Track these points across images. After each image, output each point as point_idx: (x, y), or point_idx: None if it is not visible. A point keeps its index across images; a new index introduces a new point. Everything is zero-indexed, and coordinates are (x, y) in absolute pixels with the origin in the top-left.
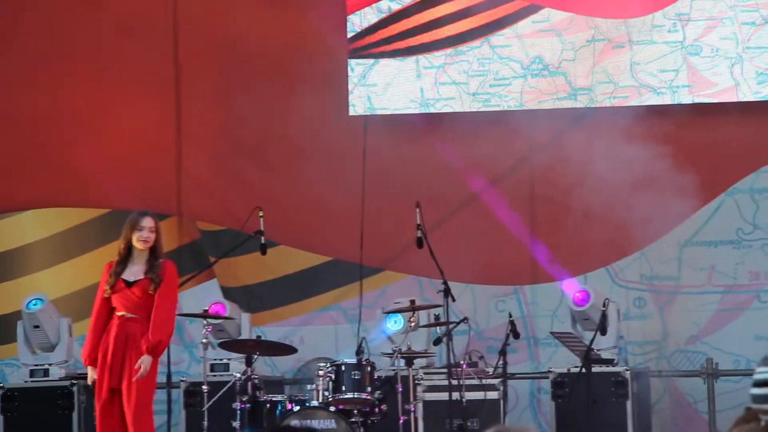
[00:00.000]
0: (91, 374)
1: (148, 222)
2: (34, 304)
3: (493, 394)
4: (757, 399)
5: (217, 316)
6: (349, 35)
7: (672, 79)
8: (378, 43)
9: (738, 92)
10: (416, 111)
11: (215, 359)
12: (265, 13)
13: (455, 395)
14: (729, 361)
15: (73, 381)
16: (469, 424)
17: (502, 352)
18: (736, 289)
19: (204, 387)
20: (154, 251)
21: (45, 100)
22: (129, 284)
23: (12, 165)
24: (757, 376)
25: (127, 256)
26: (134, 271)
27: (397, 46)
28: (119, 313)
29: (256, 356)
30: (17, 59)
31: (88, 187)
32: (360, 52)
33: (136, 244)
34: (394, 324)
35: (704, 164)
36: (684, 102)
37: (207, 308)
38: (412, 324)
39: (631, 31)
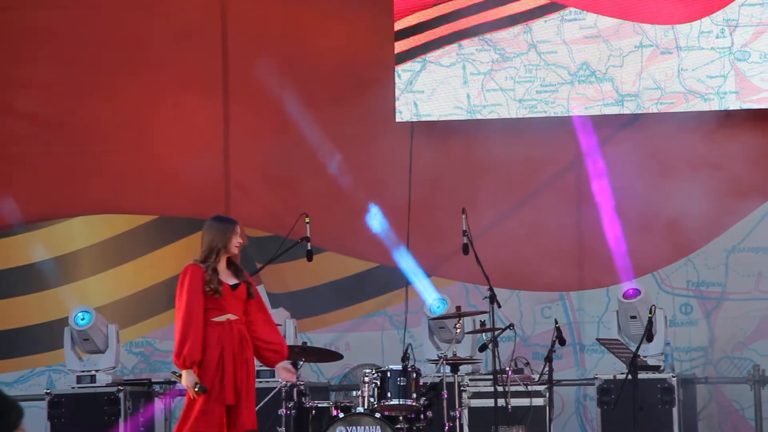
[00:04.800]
0: (195, 377)
1: (238, 229)
2: (82, 319)
3: (538, 401)
4: None
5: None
6: (396, 42)
7: (720, 85)
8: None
9: None
10: (463, 117)
11: (261, 366)
12: (314, 20)
13: (501, 402)
14: None
15: (119, 387)
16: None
17: (548, 359)
18: None
19: None
20: (233, 256)
21: (95, 108)
22: (234, 288)
23: (63, 172)
24: None
25: (215, 261)
26: (225, 276)
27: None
28: (226, 317)
29: (301, 362)
30: (71, 70)
31: (137, 193)
32: (406, 51)
33: (234, 249)
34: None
35: (753, 170)
36: (732, 108)
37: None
38: (458, 330)
39: (678, 37)
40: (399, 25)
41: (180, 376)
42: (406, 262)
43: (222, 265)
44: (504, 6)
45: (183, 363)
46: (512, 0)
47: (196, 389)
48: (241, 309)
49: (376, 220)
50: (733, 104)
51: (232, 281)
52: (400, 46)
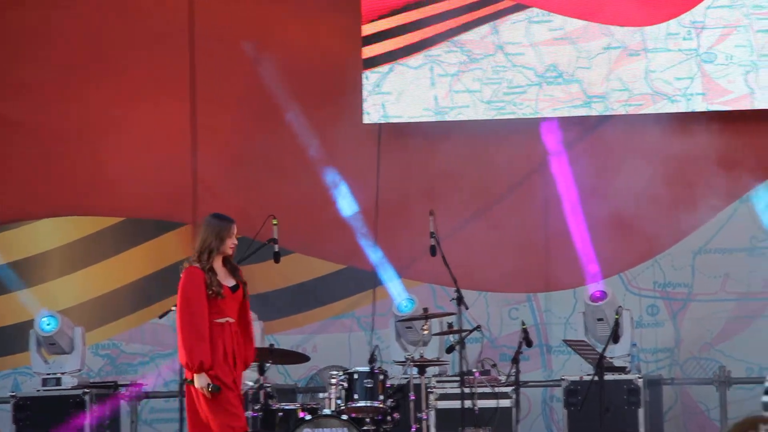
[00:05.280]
0: (206, 380)
1: (235, 229)
2: (48, 324)
3: (505, 402)
4: None
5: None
6: (364, 44)
7: (687, 86)
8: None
9: (753, 100)
10: (430, 119)
11: None
12: (281, 23)
13: (468, 403)
14: (742, 368)
15: (85, 390)
16: None
17: (515, 360)
18: (749, 296)
19: None
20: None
21: (61, 111)
22: (234, 290)
23: (29, 174)
24: None
25: (209, 261)
26: (223, 277)
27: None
28: (226, 320)
29: (268, 364)
30: (38, 72)
31: (104, 195)
32: (374, 53)
33: (228, 250)
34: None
35: (720, 171)
36: (698, 110)
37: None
38: (425, 332)
39: (646, 39)
40: (367, 29)
41: (191, 382)
42: (378, 260)
43: (218, 264)
44: (473, 12)
45: (195, 370)
46: (481, 6)
47: (210, 389)
48: (238, 311)
49: (345, 200)
50: (700, 106)
51: (231, 282)
52: (368, 49)
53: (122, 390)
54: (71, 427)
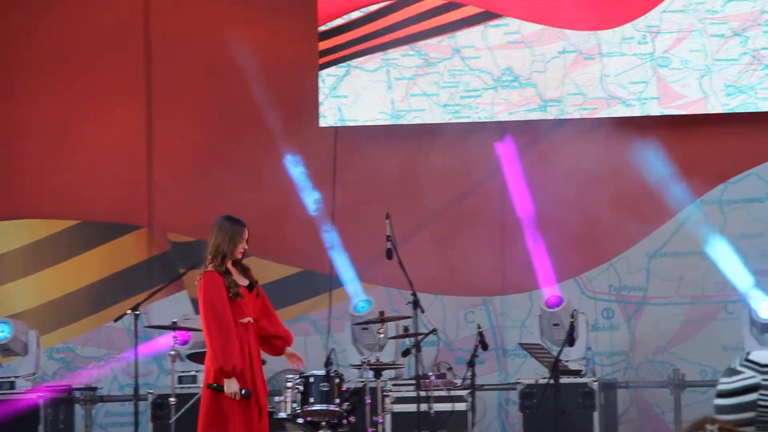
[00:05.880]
0: (237, 385)
1: (247, 233)
2: (1, 331)
3: (461, 406)
4: (721, 410)
5: (187, 329)
6: (320, 47)
7: (641, 90)
8: (347, 45)
9: (706, 104)
10: (387, 122)
11: (183, 371)
12: (236, 25)
13: (423, 407)
14: (696, 371)
15: (39, 394)
16: None
17: (471, 364)
18: (703, 300)
19: (171, 399)
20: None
21: (14, 112)
22: (250, 289)
23: None
24: (721, 387)
25: (224, 264)
26: (237, 278)
27: (364, 48)
28: (248, 320)
29: None
30: None
31: (59, 199)
32: (330, 57)
33: (239, 255)
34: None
35: (673, 176)
36: (653, 114)
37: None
38: (381, 336)
39: (601, 43)
40: (323, 31)
41: (218, 387)
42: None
43: (230, 266)
44: (432, 18)
45: (228, 375)
46: (441, 13)
47: (243, 394)
48: (255, 310)
49: (296, 169)
50: (655, 110)
51: (245, 282)
52: (324, 51)
53: (77, 394)
54: (25, 430)
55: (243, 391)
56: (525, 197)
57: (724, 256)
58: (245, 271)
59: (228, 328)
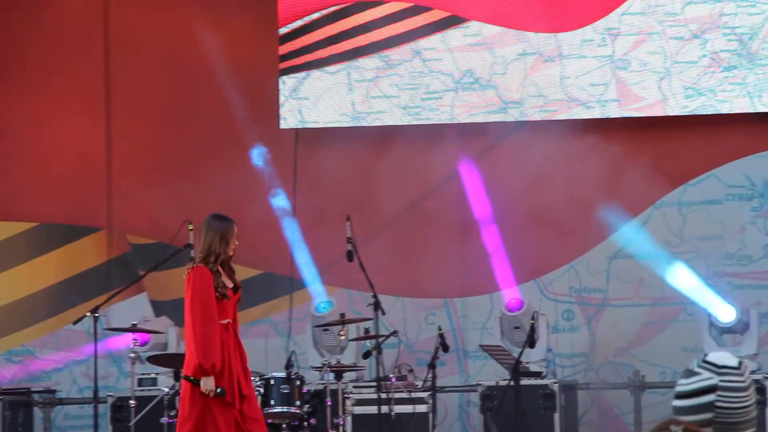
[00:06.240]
0: (213, 383)
1: (236, 229)
2: None
3: (422, 408)
4: (679, 411)
5: (146, 331)
6: (280, 49)
7: (601, 93)
8: (307, 48)
9: (666, 106)
10: (348, 124)
11: (143, 374)
12: (196, 28)
13: (384, 409)
14: (656, 373)
15: None
16: None
17: (432, 365)
18: (663, 301)
19: (131, 402)
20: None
21: None
22: (235, 291)
23: None
24: (679, 389)
25: (216, 263)
26: (224, 278)
27: (325, 54)
28: (228, 321)
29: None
30: None
31: (17, 201)
32: (291, 60)
33: (230, 253)
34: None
35: (634, 177)
36: (613, 116)
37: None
38: (342, 338)
39: (561, 46)
40: (283, 32)
41: (194, 381)
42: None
43: (219, 267)
44: (395, 24)
45: (207, 372)
46: (405, 18)
47: (218, 392)
48: (234, 312)
49: (257, 171)
50: (615, 112)
51: (230, 284)
52: (284, 53)
53: (36, 397)
54: None
55: (218, 390)
56: (485, 199)
57: (682, 278)
58: (231, 274)
59: (212, 325)
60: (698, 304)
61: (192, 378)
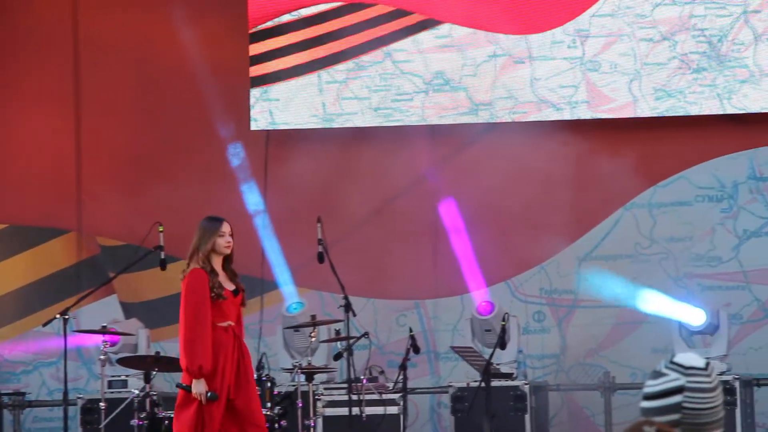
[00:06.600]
0: (204, 386)
1: (227, 227)
2: None
3: (393, 409)
4: (647, 412)
5: (116, 332)
6: (251, 51)
7: (571, 94)
8: (279, 52)
9: (636, 108)
10: (318, 126)
11: (113, 376)
12: (166, 29)
13: (355, 410)
14: (626, 374)
15: None
16: None
17: (403, 367)
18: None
19: (101, 404)
20: (229, 259)
21: None
22: (235, 294)
23: None
24: (646, 390)
25: (207, 262)
26: (223, 280)
27: (298, 62)
28: (228, 323)
29: (154, 372)
30: None
31: None
32: (261, 63)
33: (224, 250)
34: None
35: (604, 179)
36: (583, 117)
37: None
38: (313, 339)
39: (531, 47)
40: (254, 34)
41: (187, 387)
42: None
43: (218, 267)
44: (367, 30)
45: (194, 374)
46: (376, 25)
47: (208, 396)
48: (237, 315)
49: (227, 172)
50: (585, 114)
51: (230, 287)
52: (254, 55)
53: (5, 399)
54: None
55: (209, 394)
56: (457, 200)
57: (650, 303)
58: (233, 277)
59: (201, 327)
60: (671, 319)
61: (184, 385)
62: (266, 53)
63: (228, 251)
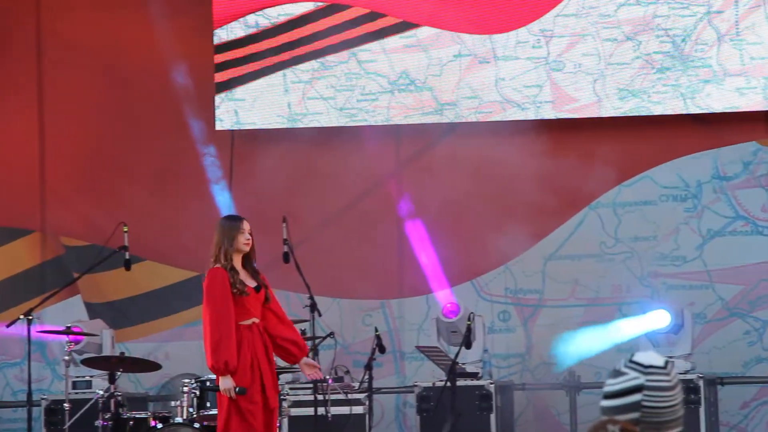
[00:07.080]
0: (231, 382)
1: (246, 225)
2: None
3: (358, 409)
4: (607, 411)
5: (80, 333)
6: (216, 51)
7: (536, 94)
8: (245, 59)
9: (600, 108)
10: (284, 126)
11: (77, 376)
12: (130, 27)
13: (321, 410)
14: (591, 373)
15: None
16: None
17: (368, 367)
18: (598, 302)
19: (66, 405)
20: (249, 257)
21: None
22: (257, 290)
23: None
24: (606, 389)
25: (229, 261)
26: (245, 278)
27: (264, 64)
28: (252, 321)
29: (119, 373)
30: None
31: None
32: (226, 68)
33: (243, 248)
34: None
35: (569, 178)
36: (547, 117)
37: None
38: None
39: (495, 47)
40: (219, 33)
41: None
42: None
43: (238, 265)
44: (336, 35)
45: (220, 371)
46: (345, 30)
47: (237, 391)
48: (261, 312)
49: (193, 172)
50: (549, 114)
51: (252, 283)
52: (220, 56)
53: None
54: None
55: (237, 389)
56: (422, 200)
57: (619, 333)
58: (255, 274)
59: (225, 325)
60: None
61: (215, 386)
62: (231, 55)
63: (247, 249)
